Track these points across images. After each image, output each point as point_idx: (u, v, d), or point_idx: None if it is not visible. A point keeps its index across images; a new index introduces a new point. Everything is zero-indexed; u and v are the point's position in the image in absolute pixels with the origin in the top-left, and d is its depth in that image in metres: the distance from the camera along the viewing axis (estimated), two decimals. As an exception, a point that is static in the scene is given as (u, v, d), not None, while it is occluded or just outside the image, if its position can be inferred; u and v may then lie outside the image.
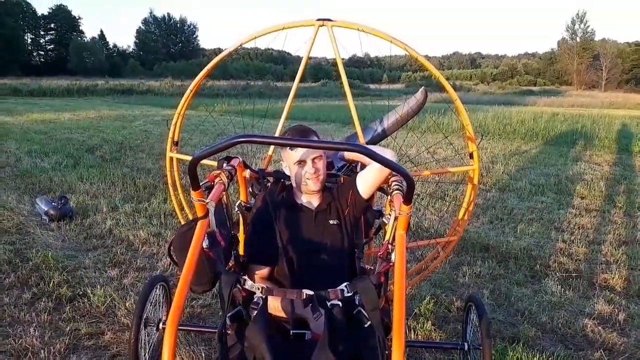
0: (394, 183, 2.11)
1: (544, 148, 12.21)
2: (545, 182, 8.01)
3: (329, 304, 2.03)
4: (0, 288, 3.81)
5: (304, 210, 2.38)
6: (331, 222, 2.35)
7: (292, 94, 3.12)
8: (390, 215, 2.11)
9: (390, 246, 2.03)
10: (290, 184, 2.47)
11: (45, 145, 10.51)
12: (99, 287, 3.80)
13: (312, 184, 2.31)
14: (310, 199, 2.40)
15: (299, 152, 2.25)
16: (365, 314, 2.01)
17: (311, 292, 1.99)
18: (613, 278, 4.30)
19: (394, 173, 2.14)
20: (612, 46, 76.73)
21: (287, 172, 2.42)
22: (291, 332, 2.03)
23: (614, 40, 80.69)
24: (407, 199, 1.81)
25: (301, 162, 2.27)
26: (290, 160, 2.30)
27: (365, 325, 2.05)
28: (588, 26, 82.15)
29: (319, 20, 2.92)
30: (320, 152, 2.27)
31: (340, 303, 2.05)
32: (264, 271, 2.33)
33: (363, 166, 2.89)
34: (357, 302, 2.16)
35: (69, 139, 11.80)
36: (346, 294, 2.04)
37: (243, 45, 3.23)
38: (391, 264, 1.96)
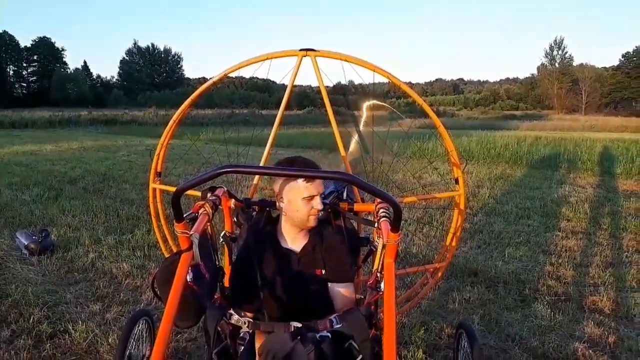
0: (380, 210, 2.07)
1: (528, 171, 12.33)
2: (531, 206, 8.06)
3: (317, 335, 1.98)
4: (-22, 326, 3.69)
5: (288, 254, 2.26)
6: (315, 269, 2.23)
7: (277, 122, 3.11)
8: (378, 242, 2.07)
9: (379, 275, 2.00)
10: (275, 217, 2.37)
11: (26, 178, 10.35)
12: (80, 322, 3.70)
13: (313, 221, 2.18)
14: (295, 241, 2.27)
15: (311, 187, 2.11)
16: (356, 346, 1.96)
17: (299, 325, 1.94)
18: (601, 300, 4.30)
19: (380, 200, 2.12)
20: (590, 71, 78.52)
21: (282, 205, 2.22)
22: None
23: (592, 65, 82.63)
24: (395, 226, 1.79)
25: (312, 197, 2.13)
26: (297, 194, 2.13)
27: (357, 359, 1.99)
28: (566, 52, 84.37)
29: (302, 50, 2.94)
30: (323, 189, 2.17)
31: (329, 335, 2.00)
32: (249, 306, 2.26)
33: (350, 193, 2.88)
34: (347, 334, 2.11)
35: (50, 170, 11.64)
36: (335, 325, 1.99)
37: (228, 75, 3.24)
38: (381, 293, 1.92)
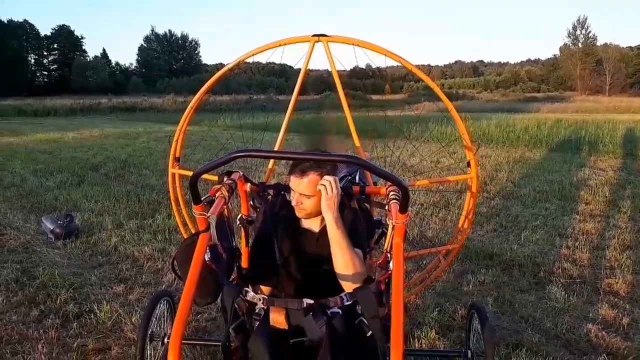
0: (391, 193, 2.14)
1: (548, 155, 12.22)
2: (550, 189, 8.01)
3: (329, 311, 2.06)
4: (9, 306, 3.85)
5: (306, 233, 2.35)
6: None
7: (290, 108, 3.18)
8: (389, 224, 2.14)
9: (389, 255, 2.06)
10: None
11: (50, 165, 10.61)
12: (105, 303, 3.83)
13: (297, 212, 2.29)
14: (312, 221, 2.35)
15: (292, 182, 2.23)
16: (366, 322, 2.04)
17: (311, 301, 2.02)
18: (617, 283, 4.30)
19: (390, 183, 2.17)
20: (615, 51, 76.49)
21: None
22: (290, 341, 2.05)
23: (616, 44, 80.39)
24: (403, 207, 1.85)
25: (292, 190, 2.25)
26: (290, 182, 2.28)
27: (367, 335, 2.07)
28: (589, 31, 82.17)
29: (314, 35, 2.98)
30: (309, 193, 2.19)
31: (340, 311, 2.08)
32: (267, 282, 2.36)
33: (362, 177, 2.94)
34: (358, 312, 2.18)
35: (73, 157, 11.90)
36: (346, 302, 2.07)
37: (244, 61, 3.30)
38: (389, 272, 1.99)
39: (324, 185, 2.10)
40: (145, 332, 2.56)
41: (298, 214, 2.30)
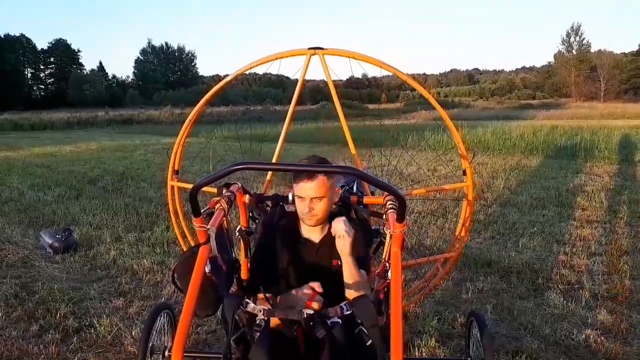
0: (388, 202, 2.16)
1: (544, 161, 12.28)
2: (546, 196, 8.05)
3: (329, 321, 2.07)
4: (8, 321, 3.85)
5: (306, 244, 2.37)
6: (331, 259, 2.32)
7: (288, 119, 3.21)
8: (387, 233, 2.16)
9: (387, 264, 2.08)
10: (294, 211, 2.50)
11: (47, 179, 10.61)
12: (104, 317, 3.83)
13: (306, 219, 2.31)
14: (312, 232, 2.38)
15: (301, 188, 2.23)
16: (366, 331, 2.05)
17: (311, 311, 2.04)
18: (615, 288, 4.32)
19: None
20: (609, 57, 77.02)
21: (292, 199, 2.40)
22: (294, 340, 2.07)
23: (610, 51, 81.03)
24: (400, 217, 1.87)
25: (301, 198, 2.26)
26: (295, 190, 2.28)
27: (367, 344, 2.08)
28: (583, 38, 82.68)
29: (310, 48, 3.02)
30: (321, 195, 2.22)
31: (340, 321, 2.09)
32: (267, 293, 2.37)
33: (360, 187, 2.97)
34: (358, 321, 2.20)
35: (70, 171, 11.90)
36: (345, 312, 2.08)
37: (242, 73, 3.33)
38: (388, 281, 2.01)
39: (344, 230, 2.16)
40: (145, 346, 2.55)
41: (309, 221, 2.30)
